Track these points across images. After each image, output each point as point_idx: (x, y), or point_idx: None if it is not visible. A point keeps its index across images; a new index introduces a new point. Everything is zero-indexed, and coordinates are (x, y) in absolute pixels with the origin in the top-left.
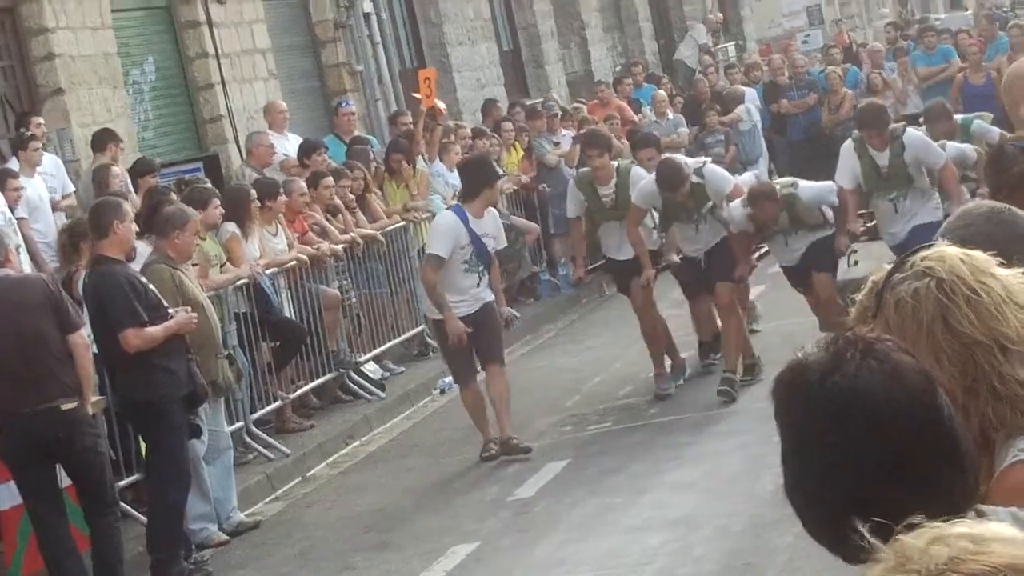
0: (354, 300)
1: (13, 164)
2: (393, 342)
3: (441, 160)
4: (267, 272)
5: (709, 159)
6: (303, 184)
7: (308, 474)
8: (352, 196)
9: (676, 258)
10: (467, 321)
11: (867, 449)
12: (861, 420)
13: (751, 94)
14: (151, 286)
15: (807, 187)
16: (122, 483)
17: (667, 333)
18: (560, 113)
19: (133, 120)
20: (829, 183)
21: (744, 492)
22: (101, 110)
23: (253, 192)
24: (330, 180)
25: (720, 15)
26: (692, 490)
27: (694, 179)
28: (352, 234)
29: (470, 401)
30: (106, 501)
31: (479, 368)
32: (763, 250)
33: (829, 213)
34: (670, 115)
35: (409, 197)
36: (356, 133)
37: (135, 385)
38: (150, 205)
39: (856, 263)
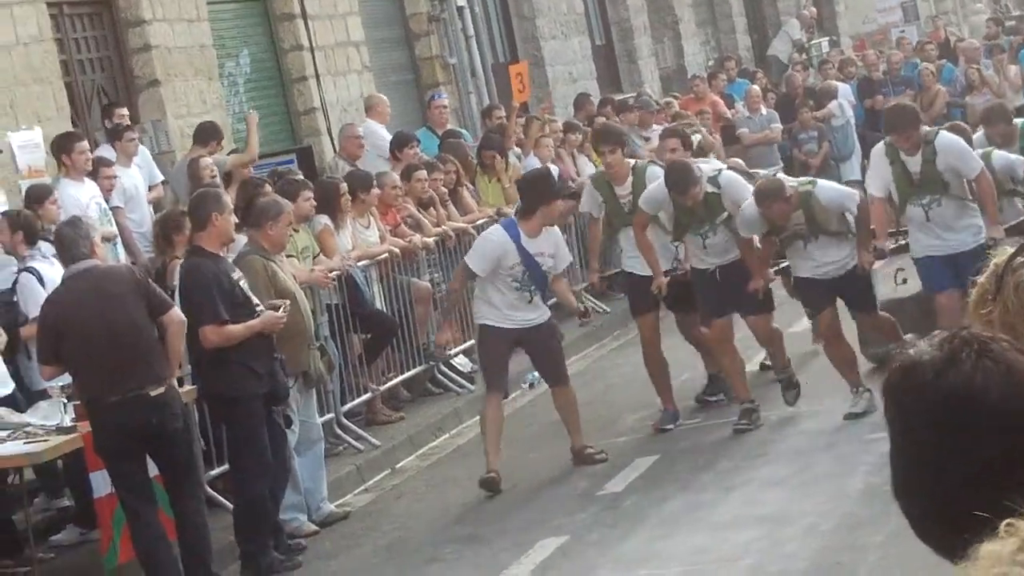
0: (445, 293)
1: (108, 152)
2: None
3: (535, 155)
4: (359, 264)
5: (725, 166)
6: (396, 177)
7: (397, 466)
8: (444, 189)
9: (686, 267)
10: (514, 337)
11: (981, 448)
12: (976, 419)
13: (845, 90)
14: (242, 283)
15: (827, 187)
16: (212, 472)
17: (667, 375)
18: (654, 108)
19: (227, 112)
20: (851, 190)
21: (834, 490)
22: (196, 102)
23: (344, 185)
24: (423, 173)
25: (814, 10)
26: (781, 487)
27: (709, 188)
28: (444, 227)
29: (488, 415)
30: (194, 488)
31: (507, 391)
32: (783, 264)
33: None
34: (763, 111)
35: (501, 192)
36: (449, 126)
37: (215, 379)
38: (245, 197)
39: (905, 281)
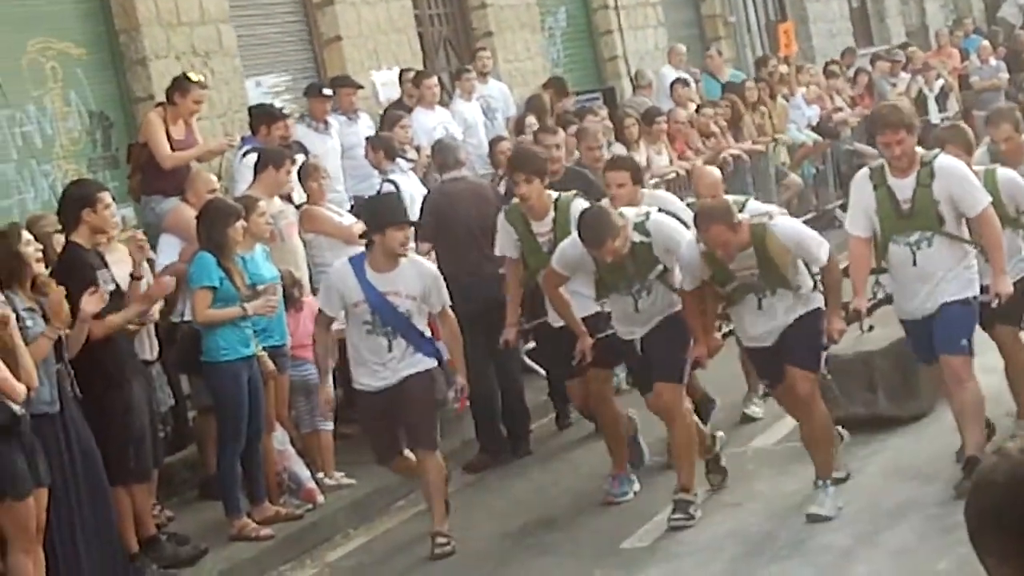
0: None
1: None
2: None
3: (798, 96)
4: (651, 181)
5: (655, 208)
6: (682, 112)
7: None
8: (724, 123)
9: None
10: (386, 400)
11: None
12: None
13: None
14: None
15: (787, 224)
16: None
17: (629, 427)
18: (901, 59)
19: (547, 59)
20: (818, 237)
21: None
22: (522, 50)
23: (630, 119)
24: (709, 111)
25: None
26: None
27: (636, 237)
28: (724, 154)
29: (403, 470)
30: (513, 352)
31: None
32: (731, 327)
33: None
34: (992, 62)
35: (771, 126)
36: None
37: None
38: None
39: (871, 328)
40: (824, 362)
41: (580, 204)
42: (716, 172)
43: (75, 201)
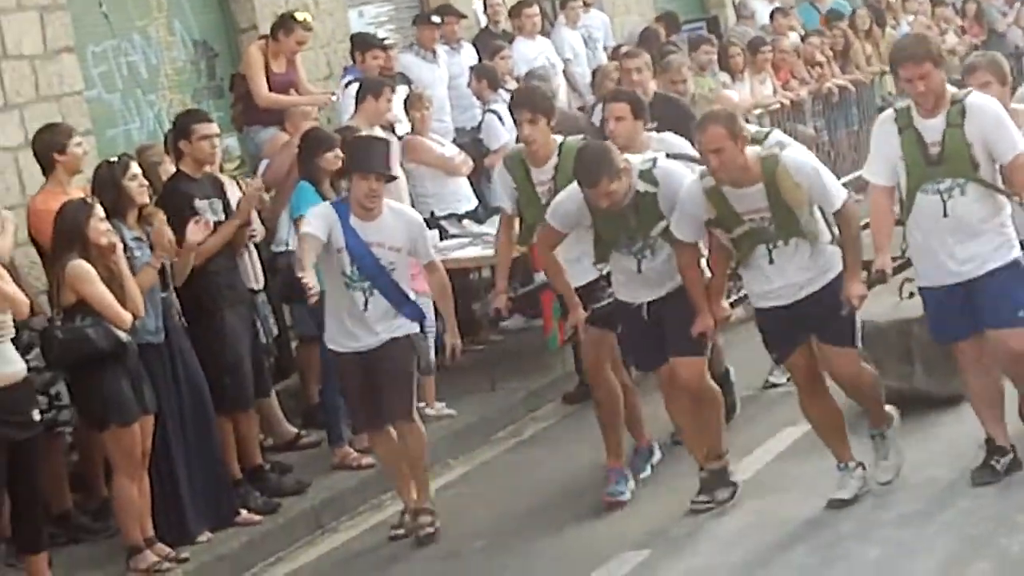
0: (826, 139)
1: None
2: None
3: (907, 25)
4: (755, 112)
5: (662, 153)
6: (786, 40)
7: None
8: (830, 52)
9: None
10: (362, 366)
11: None
12: None
13: None
14: None
15: (800, 156)
16: None
17: (633, 404)
18: None
19: None
20: (835, 180)
21: None
22: None
23: (735, 48)
24: (815, 40)
25: None
26: None
27: (641, 186)
28: (829, 84)
29: (381, 451)
30: None
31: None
32: (742, 294)
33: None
34: None
35: (877, 56)
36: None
37: None
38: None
39: (912, 295)
40: (858, 329)
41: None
42: (734, 97)
43: (175, 132)
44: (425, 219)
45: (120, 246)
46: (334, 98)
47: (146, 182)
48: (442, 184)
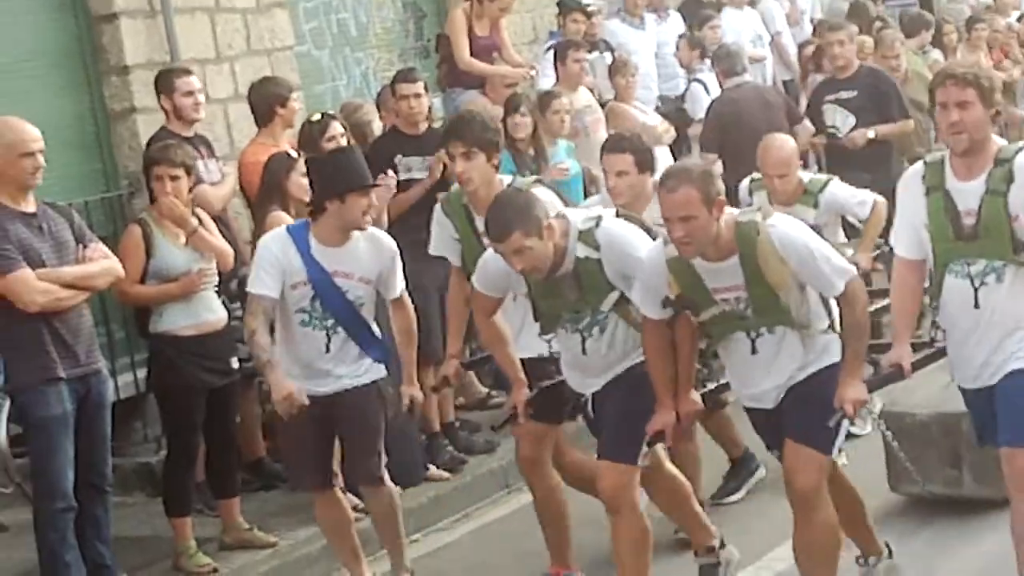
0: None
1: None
2: None
3: None
4: None
5: (612, 211)
6: (1001, 19)
7: None
8: None
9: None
10: (319, 413)
11: None
12: None
13: None
14: None
15: (790, 227)
16: None
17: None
18: None
19: None
20: (837, 256)
21: None
22: None
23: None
24: None
25: None
26: None
27: (580, 251)
28: None
29: (324, 518)
30: None
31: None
32: (712, 386)
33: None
34: None
35: None
36: None
37: None
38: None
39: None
40: (840, 438)
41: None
42: (790, 143)
43: (385, 90)
44: None
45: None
46: (532, 73)
47: (343, 143)
48: None
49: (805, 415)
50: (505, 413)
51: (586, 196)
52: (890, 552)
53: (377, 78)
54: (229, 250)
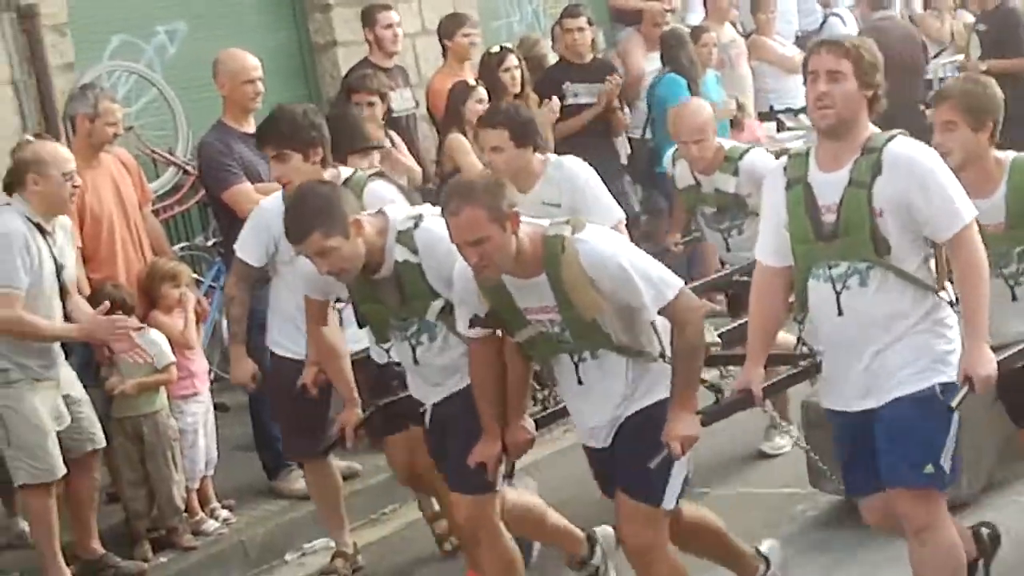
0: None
1: None
2: None
3: None
4: None
5: (436, 212)
6: None
7: None
8: None
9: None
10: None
11: None
12: None
13: None
14: None
15: (600, 239)
16: None
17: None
18: None
19: None
20: (655, 271)
21: None
22: None
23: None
24: None
25: None
26: None
27: (399, 254)
28: None
29: (316, 483)
30: None
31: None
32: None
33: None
34: None
35: None
36: None
37: None
38: None
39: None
40: (675, 483)
41: (373, 188)
42: (706, 109)
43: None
44: (764, 112)
45: None
46: (671, 7)
47: (516, 75)
48: (782, 81)
49: (632, 460)
50: (332, 436)
51: (733, 126)
52: (768, 564)
53: (546, 14)
54: (418, 168)
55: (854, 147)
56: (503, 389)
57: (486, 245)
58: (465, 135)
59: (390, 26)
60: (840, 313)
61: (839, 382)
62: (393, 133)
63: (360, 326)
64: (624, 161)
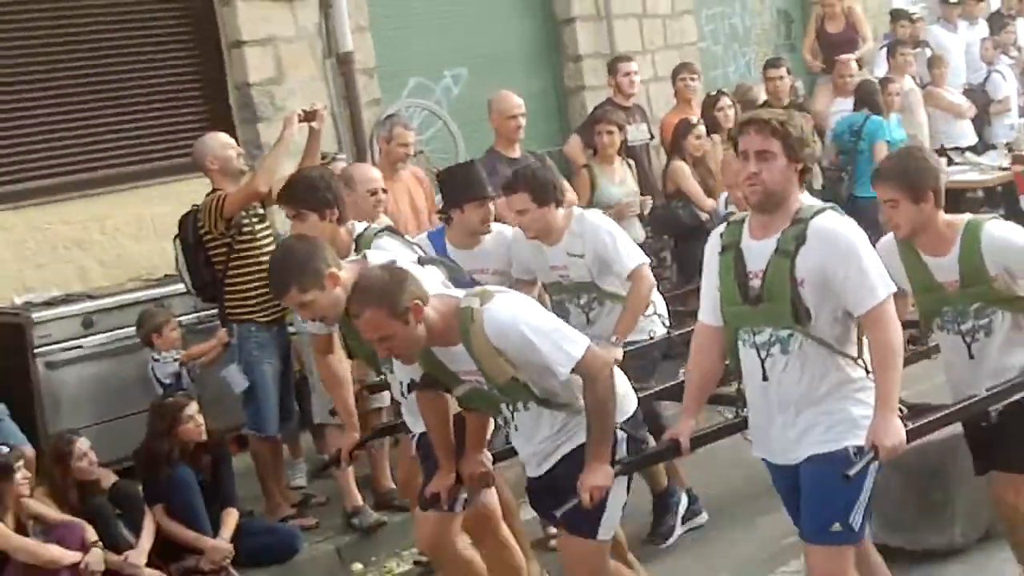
0: None
1: None
2: None
3: None
4: None
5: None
6: None
7: None
8: None
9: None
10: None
11: None
12: None
13: None
14: None
15: (501, 314)
16: None
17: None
18: None
19: None
20: (557, 347)
21: None
22: None
23: None
24: None
25: None
26: None
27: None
28: None
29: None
30: None
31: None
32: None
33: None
34: None
35: None
36: None
37: None
38: None
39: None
40: (610, 515)
41: (382, 242)
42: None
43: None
44: (936, 149)
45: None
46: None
47: (730, 114)
48: (951, 124)
49: (564, 502)
50: (330, 460)
51: None
52: None
53: (756, 66)
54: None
55: (785, 217)
56: (449, 430)
57: (392, 340)
58: (687, 161)
59: (628, 74)
60: (765, 379)
61: (764, 439)
62: (630, 160)
63: (349, 356)
64: (818, 187)
